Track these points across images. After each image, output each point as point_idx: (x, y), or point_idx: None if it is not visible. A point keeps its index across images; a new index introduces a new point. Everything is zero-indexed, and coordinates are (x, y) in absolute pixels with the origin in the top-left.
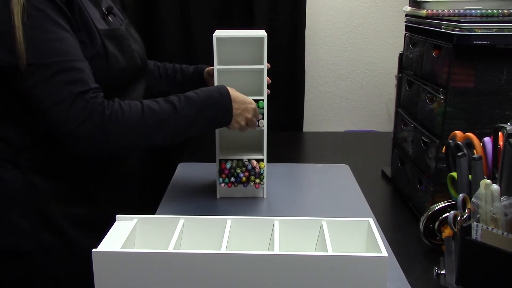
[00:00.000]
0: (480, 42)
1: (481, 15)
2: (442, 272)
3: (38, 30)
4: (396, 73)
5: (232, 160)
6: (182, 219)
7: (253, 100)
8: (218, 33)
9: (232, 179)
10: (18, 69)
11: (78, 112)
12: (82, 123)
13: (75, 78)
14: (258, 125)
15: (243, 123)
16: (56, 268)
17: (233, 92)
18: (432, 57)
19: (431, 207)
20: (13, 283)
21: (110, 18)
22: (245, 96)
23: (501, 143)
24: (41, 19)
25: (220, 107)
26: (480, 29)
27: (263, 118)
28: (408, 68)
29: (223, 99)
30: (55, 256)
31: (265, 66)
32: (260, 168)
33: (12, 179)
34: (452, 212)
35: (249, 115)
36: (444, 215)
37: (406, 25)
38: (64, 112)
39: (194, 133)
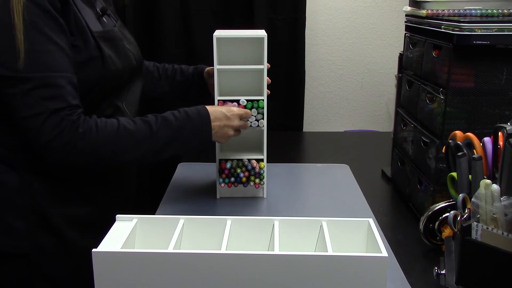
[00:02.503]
0: (480, 42)
1: (481, 15)
2: (442, 272)
3: (26, 43)
4: (396, 73)
5: (232, 160)
6: (182, 219)
7: (253, 99)
8: (218, 33)
9: (232, 179)
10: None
11: (50, 129)
12: (54, 139)
13: (53, 94)
14: (258, 125)
15: (231, 133)
16: (54, 269)
17: (213, 110)
18: (432, 57)
19: (431, 207)
20: (11, 285)
21: (104, 19)
22: (225, 107)
23: (501, 143)
24: (31, 32)
25: (198, 130)
26: (480, 29)
27: (263, 118)
28: (408, 68)
29: (202, 122)
30: (52, 257)
31: (265, 66)
32: (260, 168)
33: (9, 180)
34: (452, 212)
35: (235, 123)
36: (444, 215)
37: (406, 25)
38: (37, 126)
39: (171, 154)
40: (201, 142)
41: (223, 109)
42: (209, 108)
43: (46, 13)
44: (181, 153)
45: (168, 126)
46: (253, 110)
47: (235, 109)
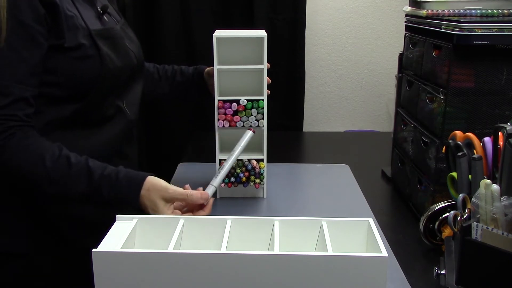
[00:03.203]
0: (480, 42)
1: (481, 15)
2: (442, 272)
3: None
4: (396, 73)
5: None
6: (182, 219)
7: (253, 99)
8: (218, 33)
9: (232, 179)
10: None
11: None
12: None
13: None
14: (258, 125)
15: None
16: (54, 269)
17: (152, 189)
18: (432, 57)
19: (431, 207)
20: (11, 284)
21: (105, 18)
22: (161, 209)
23: (501, 143)
24: None
25: (122, 194)
26: (480, 29)
27: (263, 118)
28: (408, 68)
29: (130, 188)
30: (52, 257)
31: (265, 66)
32: (260, 168)
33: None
34: (452, 212)
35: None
36: (444, 215)
37: (406, 25)
38: None
39: (103, 204)
40: (127, 210)
41: (152, 212)
42: (146, 184)
43: (18, 22)
44: (112, 205)
45: (88, 177)
46: (253, 110)
47: (159, 209)
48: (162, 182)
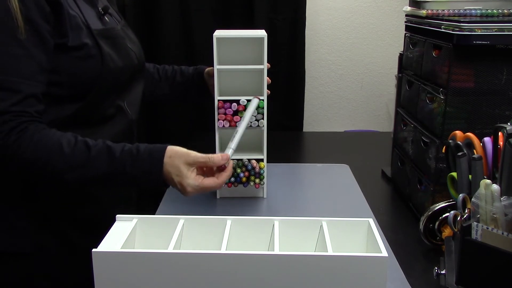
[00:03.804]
0: (480, 42)
1: (481, 15)
2: (442, 272)
3: None
4: (396, 73)
5: (232, 160)
6: (182, 219)
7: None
8: (218, 33)
9: (232, 179)
10: None
11: None
12: None
13: (1, 98)
14: (258, 125)
15: (189, 189)
16: (56, 269)
17: (168, 165)
18: (432, 57)
19: (431, 207)
20: (12, 284)
21: (106, 18)
22: (183, 175)
23: (501, 143)
24: (1, 34)
25: (146, 169)
26: (480, 29)
27: (263, 118)
28: (408, 68)
29: (152, 161)
30: (54, 257)
31: (265, 66)
32: (260, 168)
33: (11, 180)
34: (452, 212)
35: (188, 196)
36: (444, 215)
37: (406, 25)
38: None
39: (124, 186)
40: (151, 184)
41: (176, 179)
42: (166, 157)
43: (26, 19)
44: (134, 186)
45: (109, 156)
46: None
47: (188, 187)
48: (182, 149)
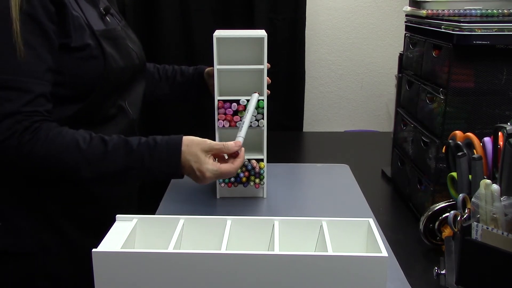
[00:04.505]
0: (480, 42)
1: (481, 15)
2: (442, 272)
3: (1, 43)
4: (396, 73)
5: None
6: (182, 219)
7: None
8: (218, 33)
9: (232, 179)
10: None
11: (2, 131)
12: (3, 141)
13: (13, 98)
14: (258, 125)
15: (202, 183)
16: (57, 268)
17: (187, 153)
18: (432, 57)
19: (431, 207)
20: (13, 284)
21: (108, 18)
22: (201, 161)
23: (501, 143)
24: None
25: (162, 163)
26: (480, 29)
27: (263, 118)
28: (408, 68)
29: (169, 151)
30: (54, 256)
31: (265, 66)
32: (260, 168)
33: (13, 180)
34: (452, 212)
35: (206, 182)
36: (444, 215)
37: (406, 25)
38: None
39: (140, 180)
40: (170, 174)
41: (195, 165)
42: (184, 145)
43: (32, 19)
44: (150, 180)
45: (127, 148)
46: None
47: (207, 172)
48: (197, 137)
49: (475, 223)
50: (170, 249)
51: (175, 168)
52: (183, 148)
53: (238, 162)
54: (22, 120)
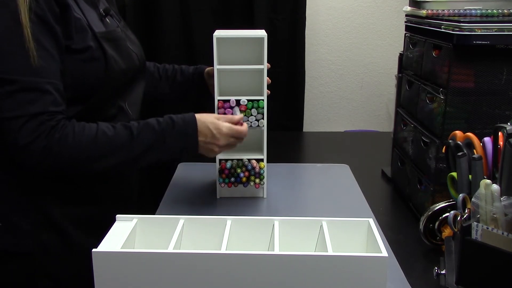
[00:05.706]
0: (480, 42)
1: (481, 15)
2: (442, 272)
3: (15, 45)
4: (396, 73)
5: (232, 160)
6: (182, 219)
7: (253, 100)
8: (218, 33)
9: (232, 179)
10: None
11: (28, 132)
12: (31, 143)
13: (35, 99)
14: (258, 125)
15: (216, 150)
16: (56, 268)
17: (201, 122)
18: (432, 57)
19: (431, 207)
20: (14, 284)
21: (107, 20)
22: (215, 123)
23: (501, 143)
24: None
25: (182, 134)
26: (480, 29)
27: (263, 118)
28: (408, 68)
29: (186, 126)
30: (55, 256)
31: (265, 66)
32: (260, 168)
33: (13, 180)
34: (452, 212)
35: (220, 143)
36: (444, 215)
37: (406, 25)
38: (16, 129)
39: (156, 161)
40: (186, 148)
41: (211, 125)
42: (197, 115)
43: (42, 21)
44: (164, 159)
45: (150, 130)
46: (253, 110)
47: (224, 127)
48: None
49: (475, 223)
50: (170, 249)
51: (193, 138)
52: (198, 116)
53: (245, 126)
54: (47, 120)
